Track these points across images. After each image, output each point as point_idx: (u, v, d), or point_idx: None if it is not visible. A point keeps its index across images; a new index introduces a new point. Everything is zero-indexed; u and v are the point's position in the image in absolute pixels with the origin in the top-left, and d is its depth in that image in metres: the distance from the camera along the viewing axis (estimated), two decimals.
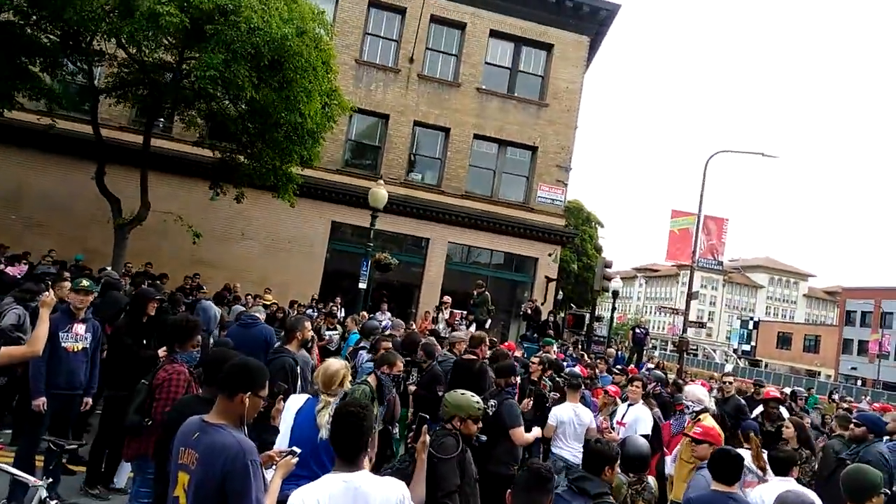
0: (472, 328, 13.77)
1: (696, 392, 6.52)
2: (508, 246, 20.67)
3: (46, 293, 4.38)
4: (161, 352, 5.95)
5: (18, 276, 9.31)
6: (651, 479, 4.72)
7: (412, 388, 6.55)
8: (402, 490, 2.81)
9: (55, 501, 4.38)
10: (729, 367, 42.97)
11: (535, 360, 8.22)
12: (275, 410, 4.00)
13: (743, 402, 8.38)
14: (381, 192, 14.32)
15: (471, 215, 20.02)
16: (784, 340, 71.45)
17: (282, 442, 4.03)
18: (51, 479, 4.48)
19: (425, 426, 3.62)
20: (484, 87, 20.63)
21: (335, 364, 4.50)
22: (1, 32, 11.34)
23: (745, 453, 5.31)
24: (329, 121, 13.72)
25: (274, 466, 3.12)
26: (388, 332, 8.59)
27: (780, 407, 8.18)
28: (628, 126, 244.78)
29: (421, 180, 20.55)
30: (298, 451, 3.29)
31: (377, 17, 20.32)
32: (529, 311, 17.64)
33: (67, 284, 6.43)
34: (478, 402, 4.10)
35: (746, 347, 72.42)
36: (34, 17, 11.58)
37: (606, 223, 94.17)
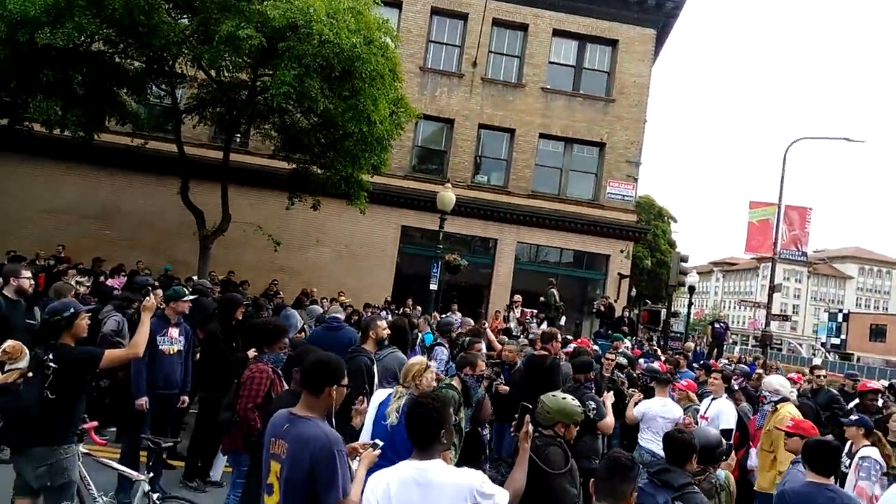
0: (544, 326, 13.73)
1: (773, 382, 6.33)
2: (578, 244, 20.45)
3: (148, 298, 4.70)
4: (251, 352, 6.30)
5: (118, 288, 9.98)
6: (721, 472, 4.59)
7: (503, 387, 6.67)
8: (478, 479, 2.83)
9: (157, 494, 4.69)
10: (817, 361, 40.77)
11: (611, 356, 8.16)
12: (354, 412, 4.18)
13: (836, 392, 8.03)
14: (448, 195, 14.51)
15: (538, 214, 19.94)
16: (878, 332, 67.08)
17: (366, 433, 4.22)
18: (152, 474, 4.76)
19: (528, 416, 3.65)
20: (549, 86, 20.51)
21: (413, 360, 4.68)
22: (91, 62, 12.20)
23: (872, 449, 5.16)
24: (397, 128, 14.01)
25: (358, 458, 3.27)
26: (458, 330, 8.72)
27: (880, 398, 7.77)
28: (701, 118, 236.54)
29: (487, 182, 20.64)
30: (381, 443, 3.44)
31: (440, 24, 20.57)
32: (603, 308, 17.43)
33: (160, 292, 6.86)
34: (580, 407, 4.06)
35: (836, 341, 68.44)
36: (121, 46, 12.37)
37: (680, 218, 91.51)
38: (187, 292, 6.21)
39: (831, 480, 3.89)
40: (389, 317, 13.23)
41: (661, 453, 6.16)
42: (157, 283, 8.85)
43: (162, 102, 15.32)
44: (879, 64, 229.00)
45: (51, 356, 3.95)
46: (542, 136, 20.45)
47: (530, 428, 3.54)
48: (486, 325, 10.40)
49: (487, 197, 19.94)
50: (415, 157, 20.49)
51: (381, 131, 12.97)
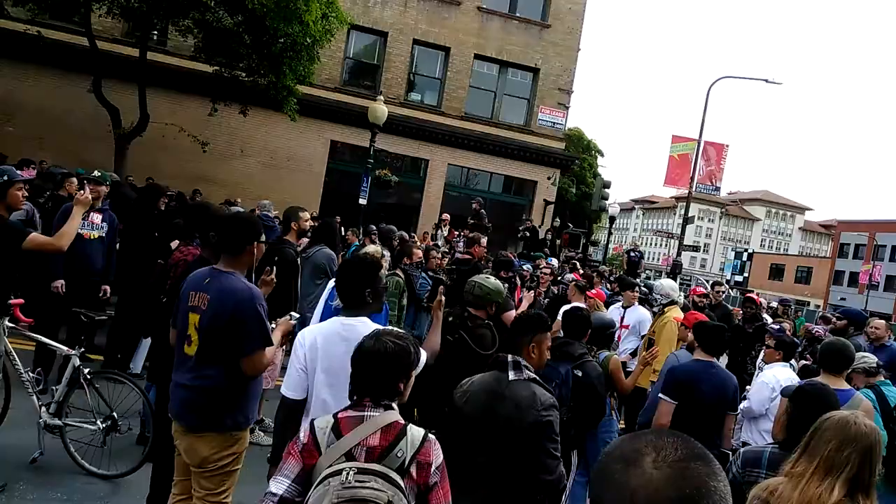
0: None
1: (665, 286, 6.77)
2: (508, 169, 20.67)
3: (82, 192, 4.43)
4: (174, 243, 6.15)
5: (28, 179, 9.37)
6: (602, 353, 4.93)
7: None
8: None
9: (88, 369, 4.56)
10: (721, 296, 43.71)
11: (546, 269, 8.60)
12: (261, 282, 4.25)
13: (730, 309, 8.70)
14: (380, 108, 14.25)
15: (470, 137, 19.92)
16: (777, 272, 72.38)
17: (316, 317, 4.32)
18: (83, 349, 4.62)
19: (441, 286, 3.90)
20: (485, 5, 20.10)
21: (368, 248, 4.74)
22: None
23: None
24: (327, 34, 13.45)
25: (275, 325, 3.37)
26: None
27: (761, 311, 8.50)
28: (631, 53, 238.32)
29: (420, 101, 20.33)
30: (297, 315, 3.56)
31: None
32: (527, 234, 17.84)
33: (75, 180, 6.53)
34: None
35: (739, 278, 73.28)
36: None
37: (607, 153, 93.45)
38: (97, 174, 5.92)
39: (716, 359, 4.32)
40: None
41: None
42: (72, 172, 8.36)
43: None
44: (804, 9, 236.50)
45: None
46: (476, 56, 20.18)
47: (443, 298, 3.82)
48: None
49: (420, 116, 19.69)
50: (346, 70, 19.85)
51: (311, 35, 12.44)
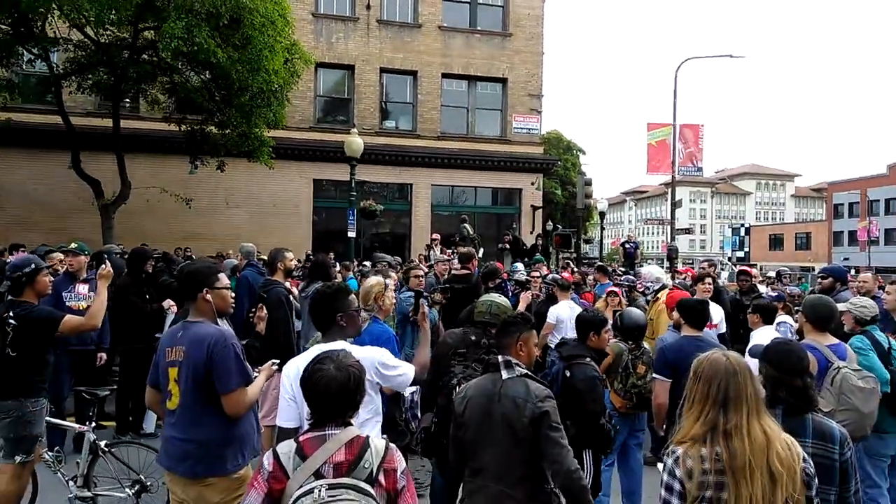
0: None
1: (654, 272, 6.88)
2: (491, 180, 20.86)
3: (104, 266, 4.55)
4: (166, 304, 6.25)
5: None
6: (647, 345, 5.17)
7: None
8: (379, 353, 3.11)
9: (104, 441, 4.66)
10: (725, 275, 43.63)
11: (535, 273, 8.73)
12: (256, 318, 4.34)
13: (721, 284, 8.82)
14: (356, 141, 14.38)
15: (449, 155, 20.13)
16: (776, 242, 72.50)
17: None
18: (94, 425, 4.71)
19: (422, 300, 3.98)
20: (445, 24, 20.44)
21: (370, 280, 4.78)
22: None
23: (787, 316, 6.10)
24: (293, 76, 13.69)
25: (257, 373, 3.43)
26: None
27: (755, 283, 8.60)
28: (597, 47, 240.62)
29: (395, 127, 20.58)
30: (279, 361, 3.59)
31: None
32: (507, 246, 17.75)
33: (57, 255, 6.64)
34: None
35: (740, 254, 73.28)
36: None
37: (589, 150, 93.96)
38: (74, 245, 6.08)
39: (702, 333, 4.41)
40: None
41: None
42: (53, 248, 8.49)
43: (35, 70, 14.23)
44: None
45: (11, 314, 3.96)
46: (444, 75, 20.47)
47: (426, 309, 3.91)
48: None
49: (397, 143, 19.91)
50: (318, 109, 20.10)
51: (277, 81, 12.66)
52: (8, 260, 10.23)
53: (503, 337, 3.21)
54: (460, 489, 3.16)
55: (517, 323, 3.24)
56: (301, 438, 2.17)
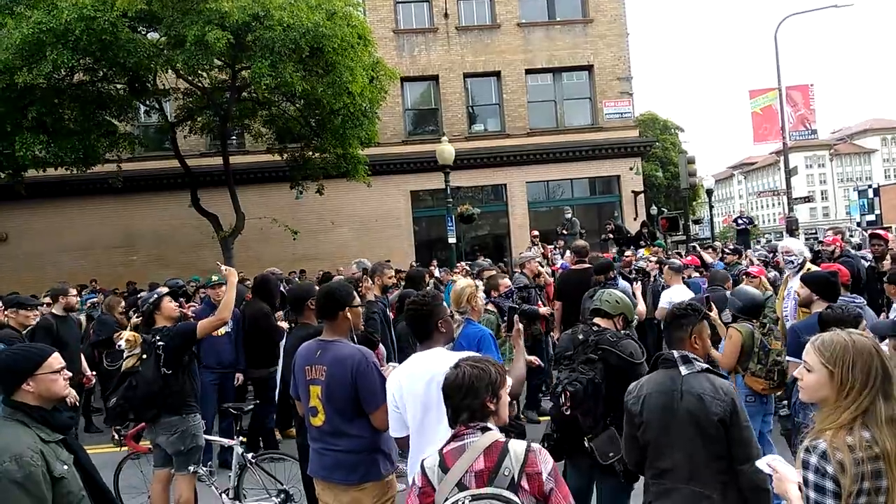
0: (567, 255, 13.88)
1: (791, 245, 6.34)
2: (586, 171, 20.43)
3: (224, 268, 5.21)
4: (283, 324, 6.64)
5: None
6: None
7: None
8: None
9: (251, 454, 5.09)
10: (856, 240, 40.06)
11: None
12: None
13: (853, 253, 8.16)
14: (447, 149, 14.63)
15: (540, 150, 19.91)
16: None
17: None
18: (242, 438, 5.18)
19: (517, 315, 3.95)
20: (523, 20, 20.30)
21: (461, 282, 4.82)
22: (78, 92, 12.47)
23: None
24: (380, 93, 14.10)
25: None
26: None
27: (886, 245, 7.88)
28: (685, 20, 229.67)
29: (484, 130, 20.67)
30: (396, 363, 3.77)
31: None
32: (611, 235, 17.22)
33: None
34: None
35: (871, 217, 67.28)
36: (101, 72, 12.58)
37: (688, 127, 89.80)
38: (216, 278, 6.67)
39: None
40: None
41: None
42: (182, 281, 9.23)
43: (155, 121, 15.57)
44: None
45: (157, 337, 4.50)
46: (528, 71, 20.31)
47: (520, 326, 3.79)
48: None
49: (487, 145, 19.97)
50: (408, 122, 20.55)
51: (363, 100, 13.10)
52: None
53: (675, 331, 3.08)
54: (644, 491, 3.01)
55: (688, 315, 3.08)
56: (444, 450, 2.21)
